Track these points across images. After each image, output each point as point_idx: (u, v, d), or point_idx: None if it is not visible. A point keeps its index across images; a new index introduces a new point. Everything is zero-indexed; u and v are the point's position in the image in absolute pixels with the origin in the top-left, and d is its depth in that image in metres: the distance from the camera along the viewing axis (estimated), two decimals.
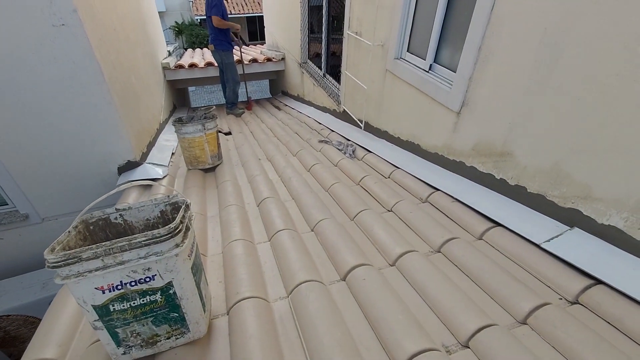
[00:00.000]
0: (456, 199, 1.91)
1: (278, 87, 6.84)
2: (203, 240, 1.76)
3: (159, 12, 6.70)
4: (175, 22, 16.93)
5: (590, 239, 1.38)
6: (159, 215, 1.17)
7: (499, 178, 1.83)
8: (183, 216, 1.01)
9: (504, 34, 1.67)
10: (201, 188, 2.41)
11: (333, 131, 3.58)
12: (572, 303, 1.22)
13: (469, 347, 1.08)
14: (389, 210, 1.98)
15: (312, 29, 4.80)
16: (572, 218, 1.47)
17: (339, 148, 3.04)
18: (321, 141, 3.30)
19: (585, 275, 1.27)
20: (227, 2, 17.26)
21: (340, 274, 1.44)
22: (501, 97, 1.74)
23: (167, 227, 0.92)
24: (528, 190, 1.67)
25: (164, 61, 5.03)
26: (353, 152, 2.93)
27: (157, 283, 0.96)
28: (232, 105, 5.09)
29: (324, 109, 4.36)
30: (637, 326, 1.06)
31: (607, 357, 0.97)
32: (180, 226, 0.96)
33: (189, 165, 2.70)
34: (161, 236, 0.91)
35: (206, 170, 2.73)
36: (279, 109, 5.45)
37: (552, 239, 1.43)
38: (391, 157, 2.61)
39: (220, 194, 2.28)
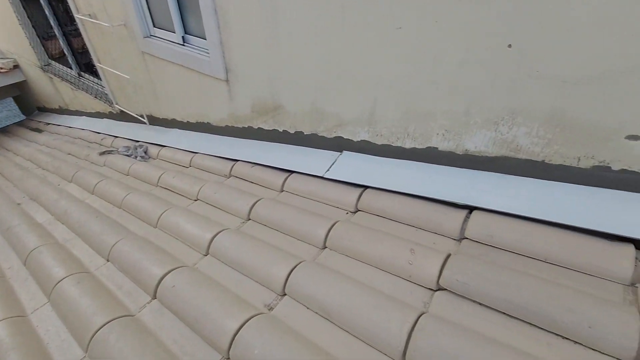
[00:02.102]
0: (255, 163, 1.94)
1: (30, 104, 5.24)
2: None
3: None
4: None
5: (355, 156, 1.65)
6: None
7: (282, 131, 1.95)
8: None
9: None
10: None
11: (117, 137, 3.03)
12: (354, 212, 1.45)
13: (286, 294, 1.14)
14: (195, 200, 1.84)
15: (47, 23, 3.73)
16: (339, 144, 1.72)
17: (127, 154, 2.60)
18: (103, 153, 2.74)
19: (358, 186, 1.52)
20: None
21: (150, 292, 1.26)
22: (252, 55, 1.78)
23: None
24: (305, 133, 1.84)
25: None
26: (145, 152, 2.56)
27: None
28: None
29: (99, 115, 3.62)
30: (394, 210, 1.35)
31: (379, 245, 1.20)
32: None
33: None
34: None
35: None
36: (39, 131, 4.22)
37: (330, 167, 1.64)
38: (187, 144, 2.42)
39: None
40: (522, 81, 1.09)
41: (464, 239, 1.17)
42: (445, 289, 0.99)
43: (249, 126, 2.12)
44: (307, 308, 1.07)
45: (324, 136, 1.77)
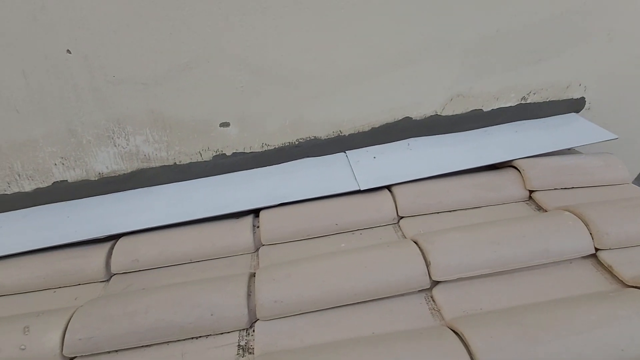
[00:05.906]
0: None
1: None
2: None
3: None
4: None
5: None
6: None
7: None
8: None
9: None
10: None
11: None
12: None
13: None
14: None
15: None
16: None
17: None
18: None
19: None
20: None
21: None
22: None
23: None
24: None
25: None
26: None
27: None
28: None
29: None
30: (13, 280, 0.99)
31: None
32: None
33: None
34: None
35: None
36: None
37: None
38: None
39: None
40: (105, 88, 0.99)
41: (113, 276, 0.99)
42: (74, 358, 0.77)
43: None
44: None
45: None
